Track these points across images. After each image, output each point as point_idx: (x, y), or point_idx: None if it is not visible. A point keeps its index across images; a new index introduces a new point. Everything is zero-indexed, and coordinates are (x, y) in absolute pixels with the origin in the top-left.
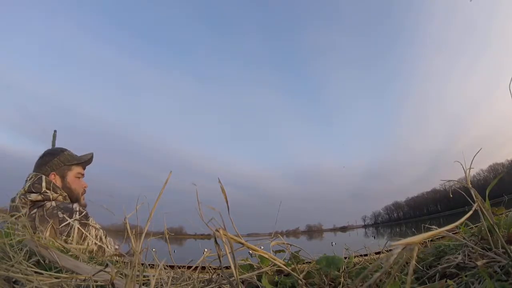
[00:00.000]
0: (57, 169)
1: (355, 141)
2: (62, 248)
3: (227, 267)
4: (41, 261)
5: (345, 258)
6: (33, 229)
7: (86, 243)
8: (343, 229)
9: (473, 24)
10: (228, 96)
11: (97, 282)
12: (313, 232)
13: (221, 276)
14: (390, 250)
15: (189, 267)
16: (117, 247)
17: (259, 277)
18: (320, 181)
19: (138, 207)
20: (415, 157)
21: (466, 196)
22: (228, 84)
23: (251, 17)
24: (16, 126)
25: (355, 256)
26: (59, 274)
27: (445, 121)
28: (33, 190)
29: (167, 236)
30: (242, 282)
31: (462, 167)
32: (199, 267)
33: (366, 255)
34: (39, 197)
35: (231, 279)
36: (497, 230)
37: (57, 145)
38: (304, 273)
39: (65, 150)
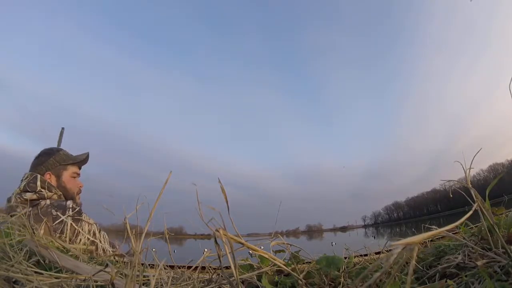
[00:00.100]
0: (52, 168)
1: (355, 141)
2: (62, 248)
3: (227, 267)
4: (41, 261)
5: (345, 258)
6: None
7: (78, 239)
8: (343, 229)
9: (473, 24)
10: (228, 96)
11: (97, 282)
12: (313, 232)
13: (221, 276)
14: (390, 250)
15: (189, 267)
16: (116, 247)
17: (259, 277)
18: (320, 181)
19: (138, 207)
20: (415, 157)
21: (466, 196)
22: (228, 84)
23: (251, 17)
24: (16, 126)
25: (355, 256)
26: (59, 274)
27: (445, 121)
28: (28, 189)
29: (167, 236)
30: (242, 282)
31: (462, 167)
32: (199, 267)
33: (366, 255)
34: (34, 196)
35: (231, 279)
36: (497, 230)
37: (62, 143)
38: (304, 273)
39: (61, 150)
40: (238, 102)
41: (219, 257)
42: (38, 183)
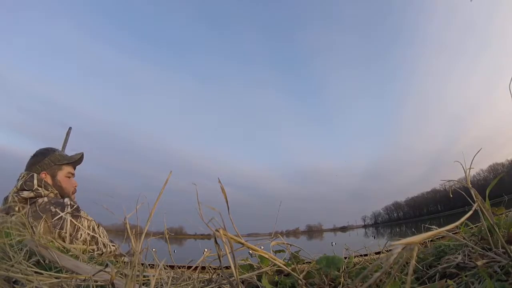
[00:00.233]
0: (47, 168)
1: (355, 141)
2: (62, 248)
3: (227, 267)
4: (41, 261)
5: (345, 258)
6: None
7: (79, 234)
8: (343, 229)
9: (473, 24)
10: (228, 96)
11: (97, 282)
12: (313, 232)
13: (221, 276)
14: (390, 250)
15: (189, 267)
16: (116, 246)
17: (259, 277)
18: (320, 181)
19: (138, 207)
20: (415, 157)
21: (466, 196)
22: (228, 84)
23: (251, 17)
24: (16, 126)
25: (355, 256)
26: (59, 274)
27: (445, 121)
28: (26, 188)
29: (167, 236)
30: (242, 282)
31: (462, 167)
32: (199, 267)
33: (366, 255)
34: (31, 194)
35: (231, 279)
36: (497, 230)
37: (68, 143)
38: (304, 273)
39: (56, 150)
40: (238, 102)
41: (219, 257)
42: (35, 181)
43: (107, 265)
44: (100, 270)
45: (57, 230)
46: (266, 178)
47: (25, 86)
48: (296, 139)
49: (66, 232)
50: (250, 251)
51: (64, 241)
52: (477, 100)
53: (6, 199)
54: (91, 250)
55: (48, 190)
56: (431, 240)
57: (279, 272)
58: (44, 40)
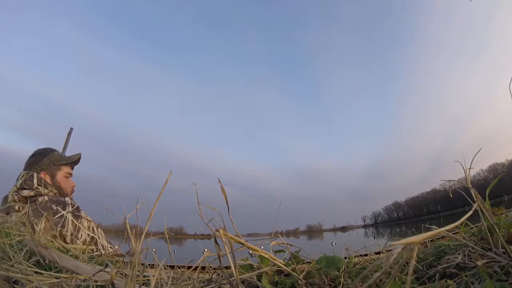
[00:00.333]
0: (47, 168)
1: (355, 141)
2: (62, 248)
3: (227, 267)
4: (41, 261)
5: (345, 258)
6: (28, 223)
7: (80, 234)
8: (343, 229)
9: (473, 24)
10: (228, 96)
11: (97, 282)
12: (313, 232)
13: (221, 276)
14: (390, 250)
15: (189, 267)
16: (117, 247)
17: (259, 277)
18: (320, 181)
19: (138, 207)
20: (415, 157)
21: (466, 196)
22: (228, 84)
23: (251, 17)
24: (16, 126)
25: (355, 256)
26: (59, 274)
27: (445, 121)
28: (26, 187)
29: (167, 236)
30: (242, 282)
31: (462, 167)
32: (199, 267)
33: (366, 255)
34: (32, 193)
35: (231, 279)
36: (497, 230)
37: (69, 143)
38: (304, 273)
39: (54, 150)
40: (238, 102)
41: (219, 257)
42: (35, 180)
43: (107, 265)
44: (100, 270)
45: (59, 228)
46: (266, 178)
47: (25, 86)
48: (296, 139)
49: (67, 231)
50: (250, 251)
51: (65, 240)
52: (477, 100)
53: (5, 198)
54: (90, 251)
55: (47, 189)
56: (431, 240)
57: (279, 272)
58: (44, 40)
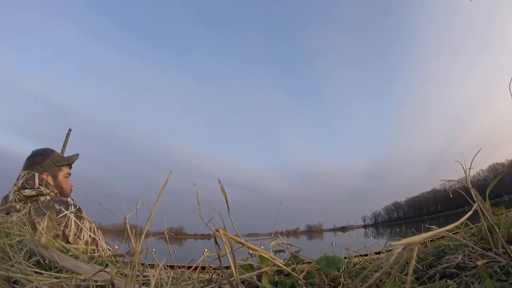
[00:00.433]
0: (49, 169)
1: (355, 141)
2: (62, 248)
3: (227, 267)
4: (41, 261)
5: (345, 258)
6: (30, 222)
7: (82, 235)
8: (343, 229)
9: (473, 24)
10: (228, 95)
11: (97, 282)
12: (313, 232)
13: (221, 276)
14: (390, 250)
15: (189, 267)
16: (117, 247)
17: (259, 277)
18: (320, 181)
19: (138, 207)
20: (415, 157)
21: (466, 196)
22: (228, 83)
23: (251, 17)
24: (16, 126)
25: (355, 256)
26: (59, 274)
27: (445, 121)
28: (27, 186)
29: (167, 236)
30: (242, 282)
31: (462, 167)
32: (199, 267)
33: (366, 255)
34: (33, 193)
35: (231, 279)
36: (497, 230)
37: (68, 144)
38: (304, 273)
39: (54, 151)
40: (238, 102)
41: (219, 257)
42: (36, 180)
43: (107, 265)
44: (100, 270)
45: (62, 228)
46: (266, 178)
47: (25, 86)
48: (296, 139)
49: (70, 231)
50: (250, 251)
51: (67, 239)
52: (477, 100)
53: (6, 198)
54: (91, 251)
55: (49, 189)
56: (431, 240)
57: (279, 272)
58: (44, 40)
